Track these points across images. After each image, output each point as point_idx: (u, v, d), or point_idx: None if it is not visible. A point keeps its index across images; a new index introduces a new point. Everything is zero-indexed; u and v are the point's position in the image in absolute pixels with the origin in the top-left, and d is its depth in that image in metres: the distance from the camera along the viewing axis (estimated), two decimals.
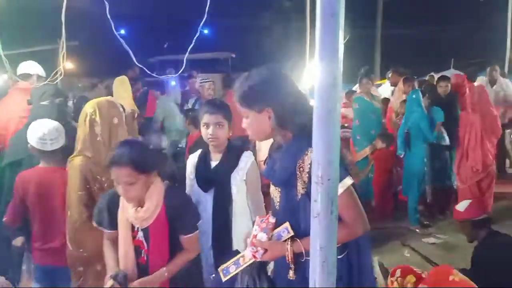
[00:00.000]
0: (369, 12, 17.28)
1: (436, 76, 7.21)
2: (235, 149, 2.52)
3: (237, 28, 16.75)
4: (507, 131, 7.13)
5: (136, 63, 2.36)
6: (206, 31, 13.56)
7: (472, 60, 10.87)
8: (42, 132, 2.74)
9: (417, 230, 5.14)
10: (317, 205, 1.14)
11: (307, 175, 1.66)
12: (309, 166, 1.64)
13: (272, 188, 1.91)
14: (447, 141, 5.44)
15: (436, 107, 5.39)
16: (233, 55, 12.54)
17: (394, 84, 6.75)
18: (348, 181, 1.66)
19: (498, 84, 6.91)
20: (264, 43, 16.13)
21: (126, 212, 2.11)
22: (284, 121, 1.72)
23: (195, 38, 2.27)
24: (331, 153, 1.11)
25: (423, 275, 2.51)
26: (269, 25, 15.76)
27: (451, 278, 2.35)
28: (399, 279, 2.55)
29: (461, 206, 3.40)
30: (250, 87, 1.72)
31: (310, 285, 1.18)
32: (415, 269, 2.57)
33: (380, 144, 5.47)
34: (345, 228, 1.61)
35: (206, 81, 6.39)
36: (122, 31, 11.78)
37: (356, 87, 6.46)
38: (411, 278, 2.50)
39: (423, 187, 5.39)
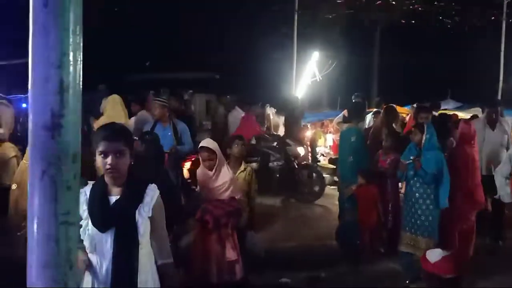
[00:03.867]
0: (366, 41, 17.11)
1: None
2: (137, 181, 2.17)
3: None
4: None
5: None
6: None
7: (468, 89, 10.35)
8: None
9: None
10: None
11: None
12: None
13: None
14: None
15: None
16: (217, 76, 12.07)
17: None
18: None
19: (499, 126, 5.55)
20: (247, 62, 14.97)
21: None
22: None
23: None
24: None
25: None
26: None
27: None
28: None
29: (433, 255, 2.83)
30: None
31: None
32: None
33: (360, 180, 5.01)
34: None
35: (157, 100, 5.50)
36: None
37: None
38: None
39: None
